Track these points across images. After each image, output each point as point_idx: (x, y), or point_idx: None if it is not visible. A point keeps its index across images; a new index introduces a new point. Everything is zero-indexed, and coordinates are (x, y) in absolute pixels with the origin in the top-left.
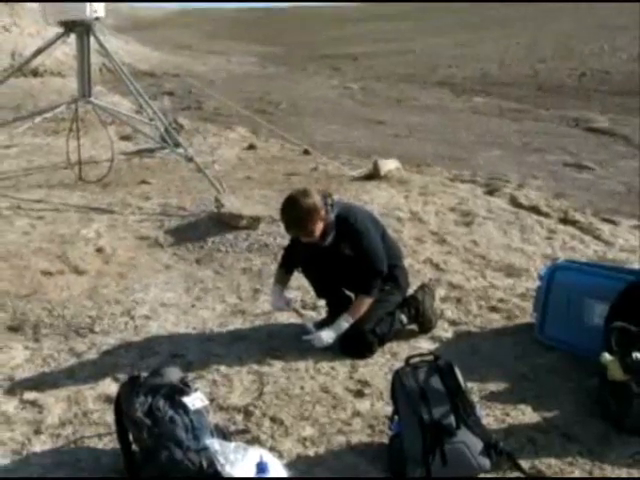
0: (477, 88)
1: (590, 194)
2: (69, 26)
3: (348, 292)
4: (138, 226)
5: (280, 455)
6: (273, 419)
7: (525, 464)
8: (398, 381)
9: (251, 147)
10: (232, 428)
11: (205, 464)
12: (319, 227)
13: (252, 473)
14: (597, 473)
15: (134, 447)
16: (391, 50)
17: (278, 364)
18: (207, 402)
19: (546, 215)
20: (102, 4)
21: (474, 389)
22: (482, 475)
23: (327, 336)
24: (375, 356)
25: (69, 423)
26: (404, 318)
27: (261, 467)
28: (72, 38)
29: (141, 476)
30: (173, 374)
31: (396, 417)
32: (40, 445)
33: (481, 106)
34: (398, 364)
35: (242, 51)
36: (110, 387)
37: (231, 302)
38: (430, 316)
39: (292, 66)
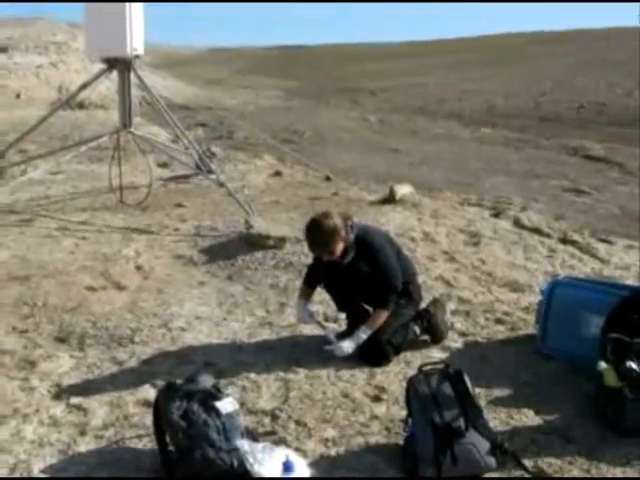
0: (484, 119)
1: (587, 216)
2: (111, 63)
3: (366, 306)
4: (174, 246)
5: (304, 455)
6: (298, 422)
7: (528, 463)
8: (412, 387)
9: (277, 173)
10: (260, 430)
11: (236, 463)
12: (340, 247)
13: (279, 472)
14: (594, 472)
15: (171, 447)
16: (405, 85)
17: (302, 372)
18: (237, 406)
19: (547, 235)
20: (142, 43)
21: (481, 394)
22: (488, 475)
23: (347, 346)
24: (391, 364)
25: (111, 425)
26: (417, 330)
27: (287, 466)
28: (114, 74)
29: (177, 474)
30: (206, 381)
31: (410, 420)
32: (85, 446)
33: (487, 136)
34: (412, 372)
35: (269, 86)
36: (149, 393)
37: (259, 315)
38: (441, 328)
39: (315, 99)
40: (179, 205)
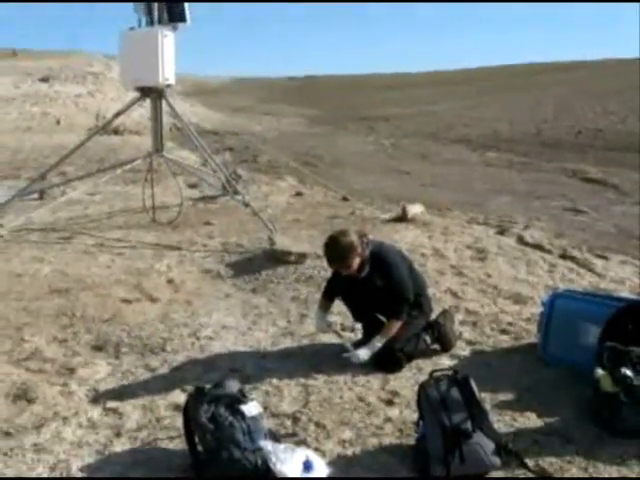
0: (489, 144)
1: (585, 234)
2: (145, 92)
3: (380, 317)
4: (203, 261)
5: (323, 455)
6: (317, 424)
7: (530, 462)
8: (423, 392)
9: (298, 194)
10: (282, 432)
11: (260, 462)
12: (356, 262)
13: (299, 470)
14: (592, 470)
15: (200, 448)
16: (417, 112)
17: (321, 377)
18: (261, 410)
19: (548, 252)
20: (173, 73)
21: (487, 399)
22: (493, 474)
23: (363, 354)
24: (403, 371)
25: (144, 428)
26: (428, 339)
27: (307, 465)
28: (147, 102)
29: (205, 473)
30: (232, 386)
31: (421, 422)
32: (120, 446)
33: (493, 160)
34: (423, 378)
35: (291, 113)
36: (179, 397)
37: (282, 325)
38: (450, 337)
39: (334, 126)
40: (207, 223)
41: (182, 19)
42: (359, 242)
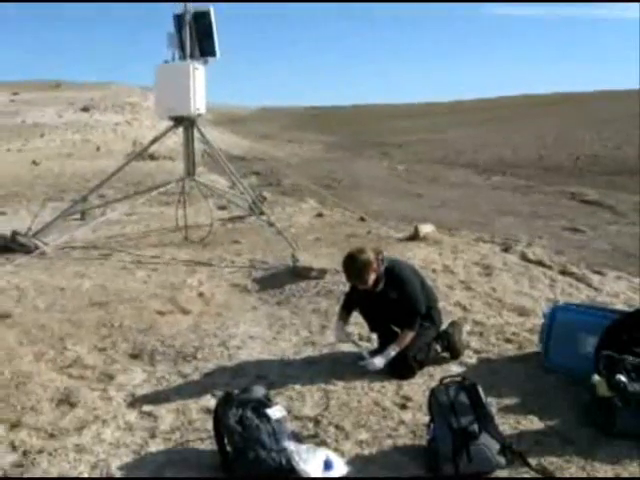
0: (495, 169)
1: (583, 251)
2: (178, 120)
3: (395, 327)
4: (231, 276)
5: (342, 454)
6: (337, 426)
7: (532, 461)
8: (434, 397)
9: (319, 215)
10: (305, 433)
11: (284, 462)
12: (372, 277)
13: (320, 469)
14: (589, 469)
15: (228, 448)
16: (428, 139)
17: (340, 383)
18: (285, 413)
19: (549, 268)
20: (204, 103)
21: (493, 403)
22: (498, 472)
23: (378, 362)
24: (416, 377)
25: (177, 430)
26: (438, 348)
27: (327, 464)
28: (180, 130)
29: (234, 471)
30: (258, 391)
31: (432, 425)
32: (155, 447)
33: (498, 183)
34: (434, 384)
35: (311, 140)
36: (209, 401)
37: (304, 335)
38: (459, 346)
39: (351, 151)
40: (235, 242)
41: (212, 54)
42: (375, 259)
